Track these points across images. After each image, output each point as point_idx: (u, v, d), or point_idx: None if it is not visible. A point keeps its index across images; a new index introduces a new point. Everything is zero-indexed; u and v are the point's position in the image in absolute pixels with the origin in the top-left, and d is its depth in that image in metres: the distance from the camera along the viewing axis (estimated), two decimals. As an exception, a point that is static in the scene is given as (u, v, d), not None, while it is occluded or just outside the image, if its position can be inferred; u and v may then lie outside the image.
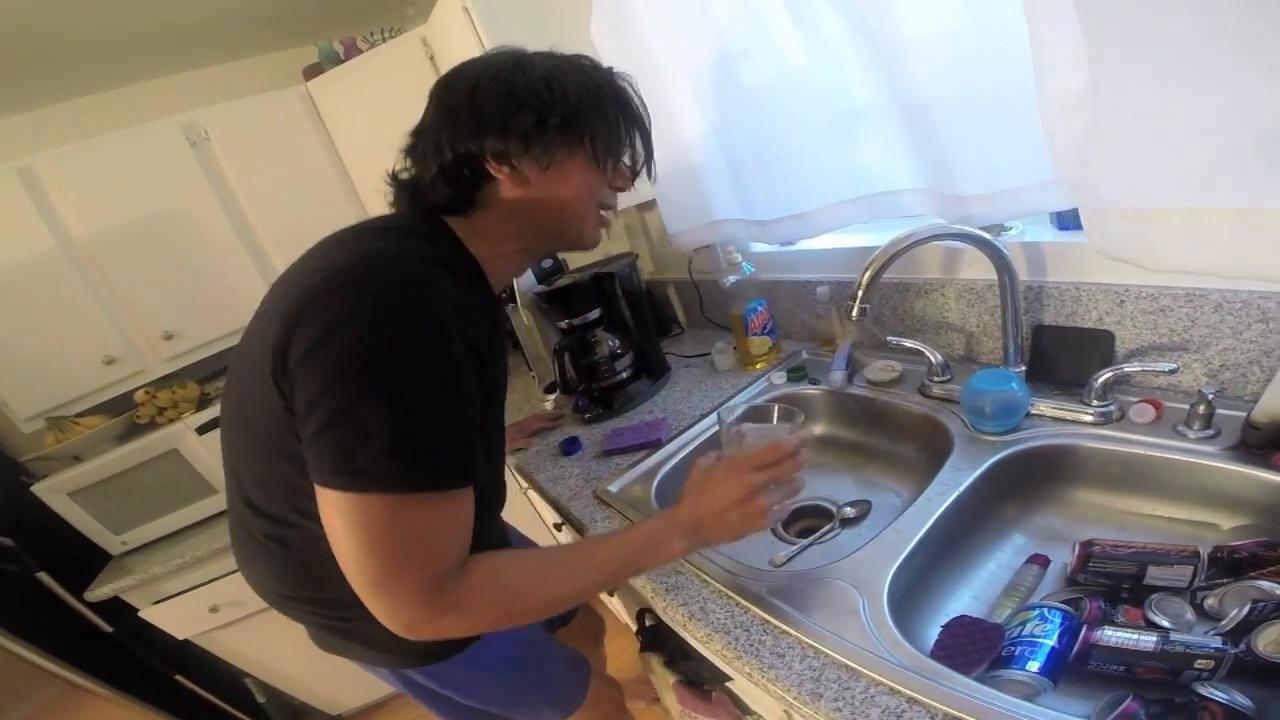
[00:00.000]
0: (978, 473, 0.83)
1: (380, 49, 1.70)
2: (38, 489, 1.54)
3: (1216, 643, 0.58)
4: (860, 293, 0.82)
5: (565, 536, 1.22)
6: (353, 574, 0.56)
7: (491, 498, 0.83)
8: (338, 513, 0.55)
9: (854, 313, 0.82)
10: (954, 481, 0.83)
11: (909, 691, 0.57)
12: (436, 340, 0.57)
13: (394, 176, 0.73)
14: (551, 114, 0.66)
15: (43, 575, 1.54)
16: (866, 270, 0.81)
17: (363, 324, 0.54)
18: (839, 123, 1.01)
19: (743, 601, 0.74)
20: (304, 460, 0.58)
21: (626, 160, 0.75)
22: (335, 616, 0.76)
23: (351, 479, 0.53)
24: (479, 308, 0.65)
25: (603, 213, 0.78)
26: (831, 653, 0.63)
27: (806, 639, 0.66)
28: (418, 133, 0.71)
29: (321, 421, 0.54)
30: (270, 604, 0.81)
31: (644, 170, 0.79)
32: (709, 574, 0.80)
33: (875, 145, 0.97)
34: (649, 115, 0.76)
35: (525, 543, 1.20)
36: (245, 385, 0.65)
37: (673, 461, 1.12)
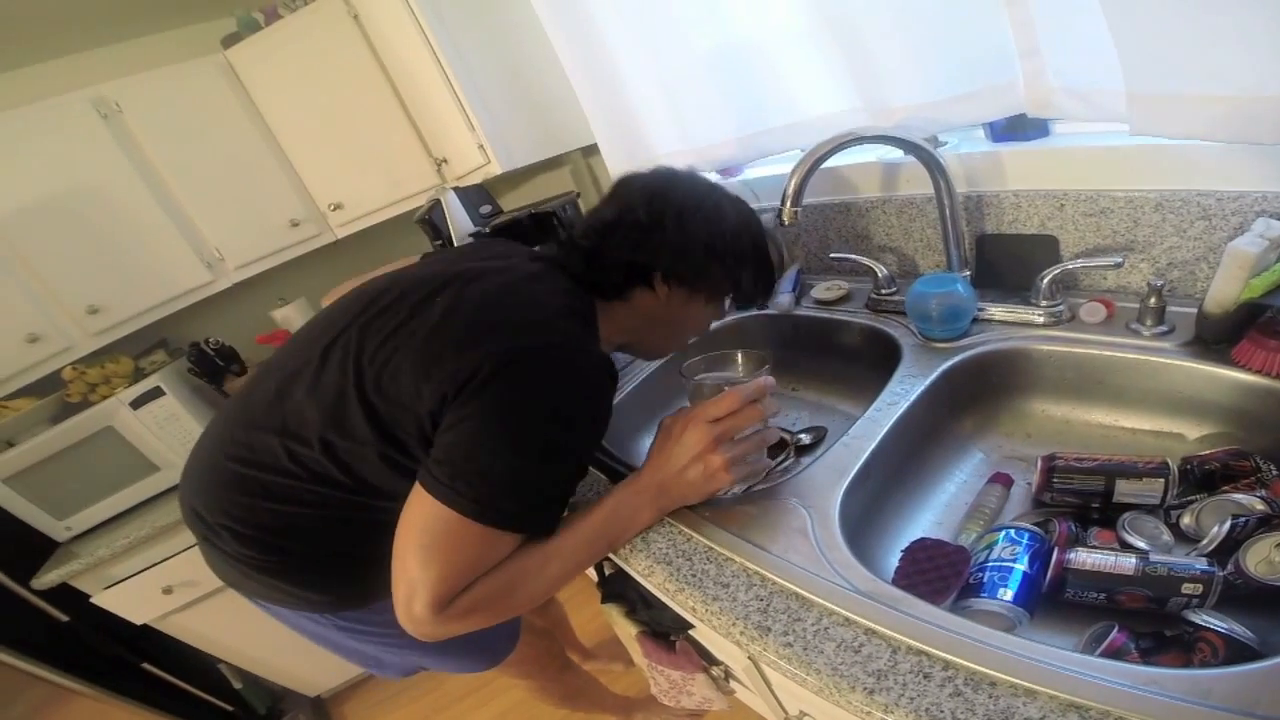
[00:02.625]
0: (929, 380, 0.80)
1: (301, 11, 1.65)
2: (-31, 478, 1.46)
3: (1202, 564, 0.54)
4: (790, 194, 0.80)
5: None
6: (402, 548, 0.61)
7: None
8: (425, 509, 0.60)
9: (785, 215, 0.80)
10: (905, 392, 0.79)
11: (865, 621, 0.51)
12: (598, 425, 0.66)
13: (578, 234, 0.81)
14: (726, 268, 0.78)
15: (-10, 570, 1.47)
16: (794, 174, 0.79)
17: (558, 401, 0.63)
18: (770, 48, 1.01)
19: (684, 529, 0.69)
20: (400, 446, 0.66)
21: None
22: (273, 559, 0.76)
23: (469, 502, 0.59)
24: None
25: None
26: (780, 579, 0.58)
27: (752, 565, 0.61)
28: (621, 223, 0.77)
29: (471, 449, 0.60)
30: (193, 523, 0.79)
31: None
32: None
33: (808, 68, 0.97)
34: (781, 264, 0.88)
35: None
36: (388, 348, 0.67)
37: (618, 397, 1.06)
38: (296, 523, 0.73)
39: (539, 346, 0.64)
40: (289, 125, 1.78)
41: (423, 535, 0.60)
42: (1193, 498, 0.63)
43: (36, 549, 1.60)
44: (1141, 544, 0.61)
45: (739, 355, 0.77)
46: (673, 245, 0.76)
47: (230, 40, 1.75)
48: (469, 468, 0.60)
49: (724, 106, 1.14)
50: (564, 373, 0.64)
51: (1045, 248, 0.86)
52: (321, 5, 1.62)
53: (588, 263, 0.77)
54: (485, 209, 1.36)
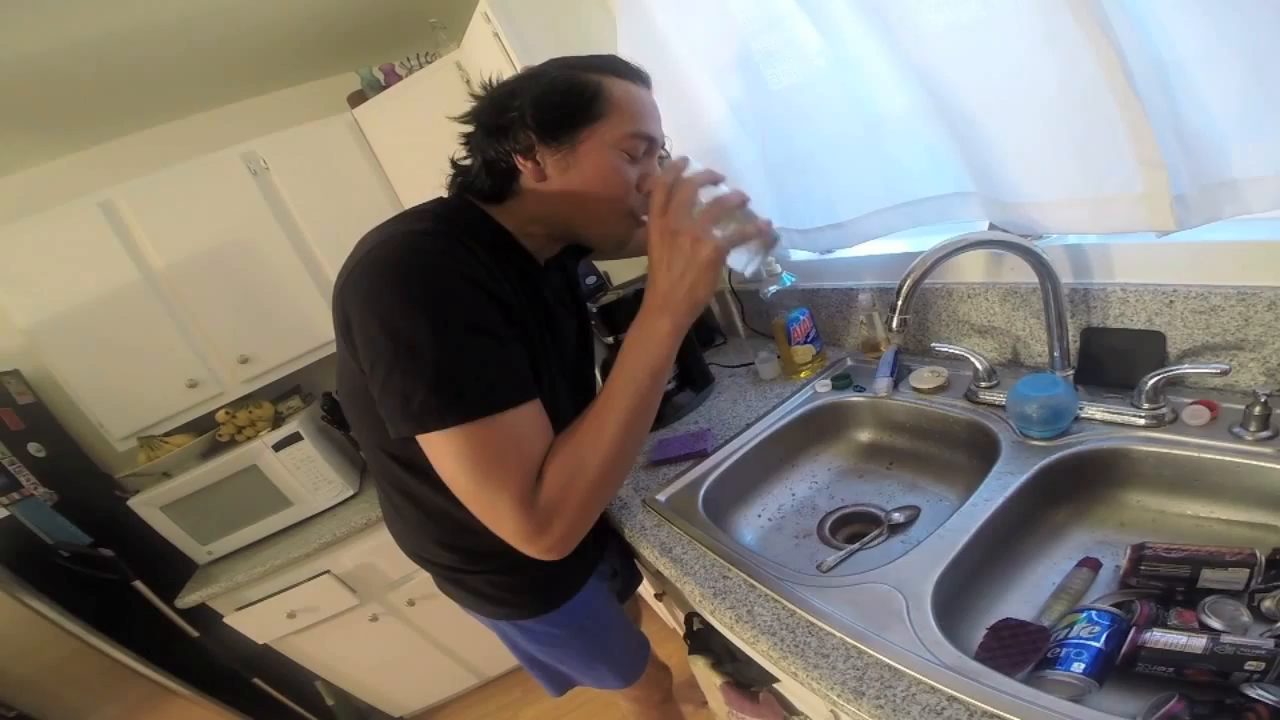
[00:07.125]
0: (1025, 478, 0.82)
1: (417, 75, 1.74)
2: (133, 503, 1.66)
3: (1269, 644, 0.57)
4: (900, 303, 0.82)
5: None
6: (465, 502, 0.66)
7: None
8: (430, 453, 0.66)
9: (894, 323, 0.83)
10: (1001, 487, 0.82)
11: (949, 690, 0.58)
12: (447, 295, 0.65)
13: (454, 162, 0.82)
14: (563, 104, 0.72)
15: (138, 584, 1.65)
16: (905, 281, 0.82)
17: (388, 297, 0.64)
18: (876, 129, 1.01)
19: (788, 604, 0.76)
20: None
21: (639, 129, 0.75)
22: (451, 568, 0.94)
23: (417, 422, 0.63)
24: (500, 267, 0.72)
25: (637, 214, 0.78)
26: (874, 653, 0.65)
27: (850, 640, 0.68)
28: (474, 132, 0.78)
29: (381, 382, 0.64)
30: (409, 558, 1.00)
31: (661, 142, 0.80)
32: (757, 578, 0.82)
33: (916, 150, 0.97)
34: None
35: None
36: (342, 365, 0.75)
37: (718, 471, 1.11)
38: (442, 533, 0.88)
39: (366, 256, 0.68)
40: (407, 181, 1.85)
41: (451, 474, 0.65)
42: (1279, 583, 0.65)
43: (174, 568, 1.78)
44: (1219, 626, 0.64)
45: None
46: (492, 128, 0.75)
47: (356, 98, 1.85)
48: (406, 388, 0.62)
49: (827, 190, 1.14)
50: (395, 266, 0.66)
51: (1151, 344, 0.85)
52: (437, 69, 1.69)
53: (463, 179, 0.80)
54: (590, 280, 1.42)
